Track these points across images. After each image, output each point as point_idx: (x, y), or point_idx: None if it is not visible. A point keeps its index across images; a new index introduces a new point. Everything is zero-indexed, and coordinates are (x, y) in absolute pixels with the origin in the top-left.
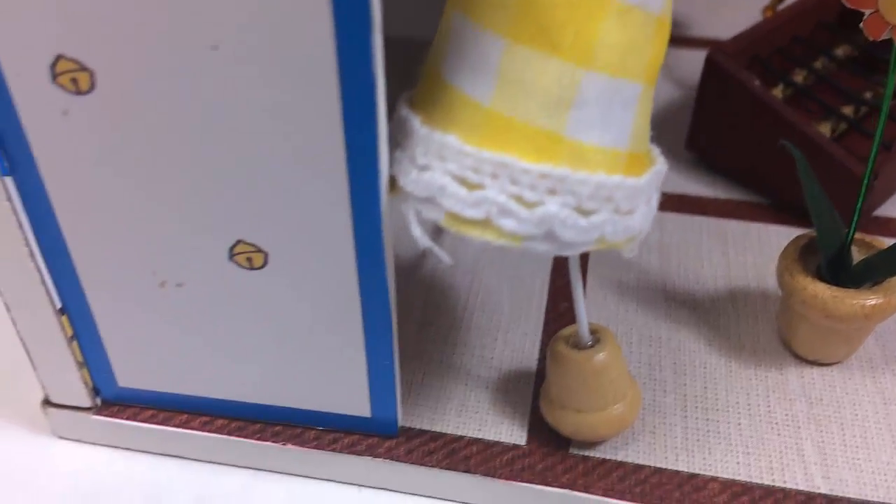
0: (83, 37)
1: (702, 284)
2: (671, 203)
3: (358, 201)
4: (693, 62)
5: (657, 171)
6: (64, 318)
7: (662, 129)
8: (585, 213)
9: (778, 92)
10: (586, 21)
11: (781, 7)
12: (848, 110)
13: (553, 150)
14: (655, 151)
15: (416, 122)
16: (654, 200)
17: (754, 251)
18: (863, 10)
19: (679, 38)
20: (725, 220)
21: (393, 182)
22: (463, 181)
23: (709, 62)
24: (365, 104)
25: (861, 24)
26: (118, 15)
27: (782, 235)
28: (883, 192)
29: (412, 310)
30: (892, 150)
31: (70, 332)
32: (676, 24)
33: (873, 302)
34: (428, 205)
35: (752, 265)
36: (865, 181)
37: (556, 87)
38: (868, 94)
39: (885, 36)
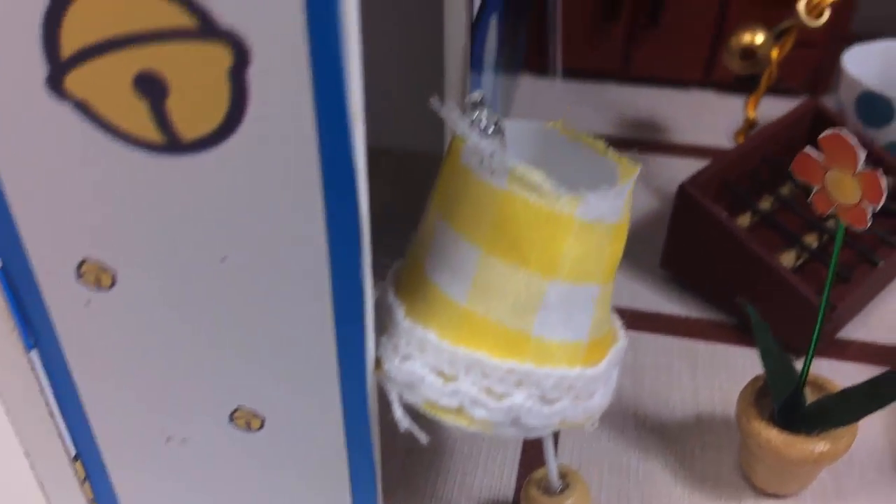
0: (107, 244)
1: (671, 410)
2: (646, 322)
3: (347, 382)
4: (674, 169)
5: (617, 350)
6: (77, 464)
7: (640, 241)
8: (549, 401)
9: (746, 219)
10: (551, 239)
11: (753, 132)
12: (811, 238)
13: (520, 347)
14: (617, 324)
15: (401, 314)
16: (614, 376)
17: (721, 375)
18: (811, 186)
19: (662, 145)
20: (696, 340)
21: (379, 362)
22: (440, 373)
23: (680, 193)
24: (354, 307)
25: (809, 199)
26: (139, 228)
27: (748, 358)
28: (844, 318)
29: (398, 437)
30: (850, 281)
31: (83, 475)
32: (660, 131)
33: (821, 448)
34: (409, 390)
35: (718, 388)
36: (818, 325)
37: (524, 294)
38: (831, 222)
39: (830, 212)
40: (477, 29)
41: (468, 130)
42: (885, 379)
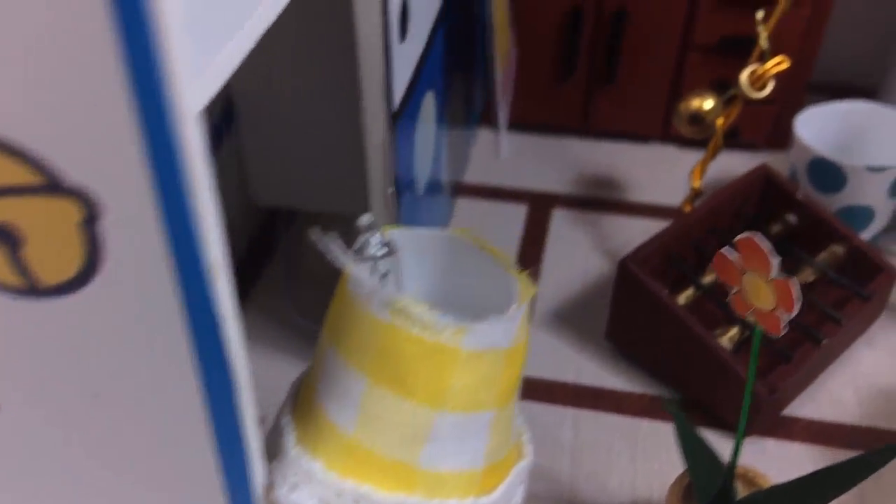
0: None
1: (608, 496)
2: (589, 399)
3: None
4: (630, 231)
5: (519, 470)
6: None
7: (588, 309)
8: None
9: (689, 294)
10: (437, 370)
11: (699, 200)
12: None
13: (409, 479)
14: (524, 438)
15: (291, 441)
16: (520, 494)
17: (661, 458)
18: (729, 288)
19: (619, 204)
20: (638, 418)
21: (272, 487)
22: None
23: (621, 269)
24: (233, 439)
25: (728, 299)
26: (12, 364)
27: None
28: (787, 397)
29: None
30: (791, 361)
31: None
32: (618, 188)
33: None
34: None
35: (657, 473)
36: (742, 421)
37: (411, 425)
38: None
39: (748, 315)
40: (404, 113)
41: (349, 263)
42: (812, 480)
